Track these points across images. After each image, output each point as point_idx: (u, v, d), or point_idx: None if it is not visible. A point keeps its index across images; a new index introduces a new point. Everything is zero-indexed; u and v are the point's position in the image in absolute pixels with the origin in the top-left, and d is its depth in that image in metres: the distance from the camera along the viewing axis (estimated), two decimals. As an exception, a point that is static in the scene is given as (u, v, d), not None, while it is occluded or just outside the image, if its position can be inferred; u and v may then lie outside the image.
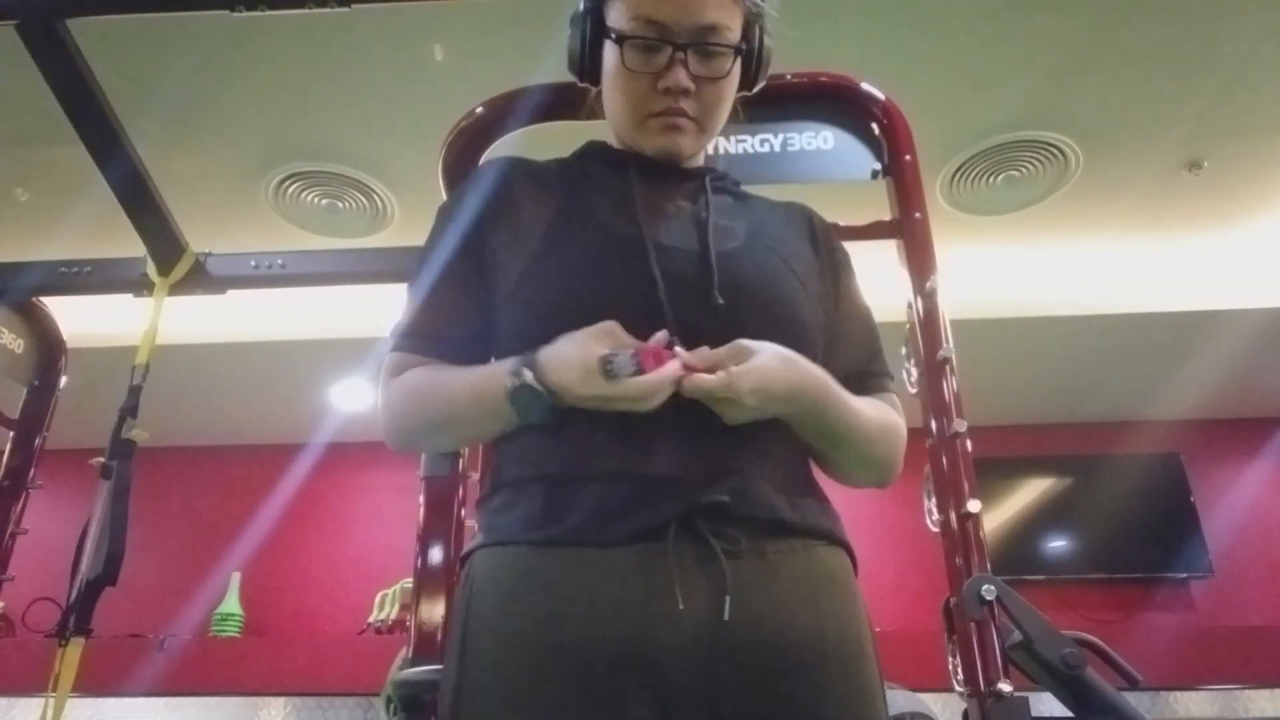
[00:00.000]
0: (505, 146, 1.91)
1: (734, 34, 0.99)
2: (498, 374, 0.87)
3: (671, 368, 0.83)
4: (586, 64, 1.05)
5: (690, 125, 0.99)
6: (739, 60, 1.01)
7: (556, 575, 0.82)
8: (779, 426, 0.91)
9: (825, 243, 1.07)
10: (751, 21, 1.02)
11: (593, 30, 1.02)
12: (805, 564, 0.87)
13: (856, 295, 1.08)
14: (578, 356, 0.83)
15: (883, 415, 1.00)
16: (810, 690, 0.80)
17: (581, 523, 0.83)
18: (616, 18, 0.99)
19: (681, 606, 0.78)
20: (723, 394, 0.83)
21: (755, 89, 1.08)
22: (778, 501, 0.87)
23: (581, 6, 1.04)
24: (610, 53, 1.01)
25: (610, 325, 0.85)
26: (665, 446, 0.85)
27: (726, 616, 0.79)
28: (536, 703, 0.77)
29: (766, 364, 0.85)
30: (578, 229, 0.96)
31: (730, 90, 1.03)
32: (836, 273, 1.06)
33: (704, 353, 0.85)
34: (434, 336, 0.98)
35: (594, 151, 1.08)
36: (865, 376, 1.01)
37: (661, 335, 0.85)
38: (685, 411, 0.85)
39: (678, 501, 0.83)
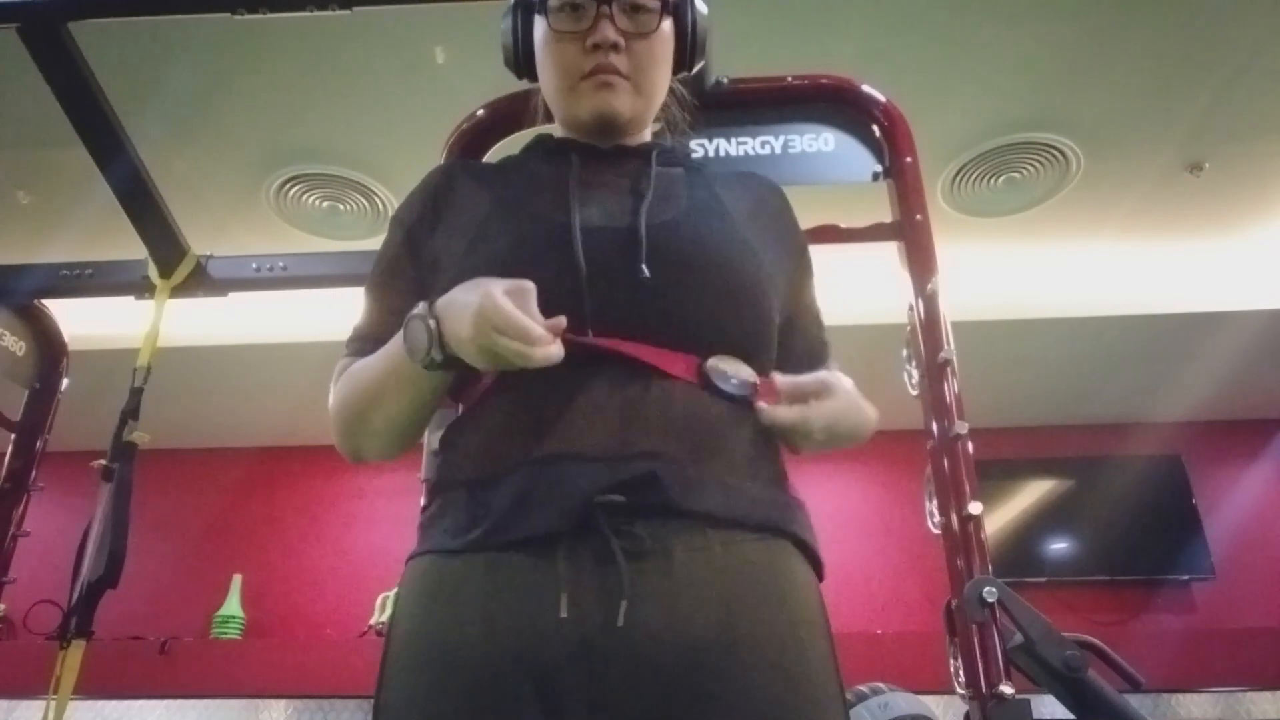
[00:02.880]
0: (506, 149, 1.92)
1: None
2: (396, 348, 0.87)
3: (558, 323, 0.78)
4: (521, 54, 1.04)
5: (624, 84, 0.96)
6: (669, 21, 1.00)
7: (459, 584, 0.80)
8: (735, 410, 0.86)
9: (788, 222, 1.05)
10: None
11: (523, 14, 1.02)
12: (723, 562, 0.79)
13: (811, 279, 1.07)
14: (474, 300, 0.78)
15: (856, 399, 0.97)
16: (718, 691, 0.74)
17: (489, 527, 0.81)
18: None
19: (564, 615, 0.74)
20: (802, 430, 0.86)
21: (694, 68, 1.06)
22: (697, 492, 0.80)
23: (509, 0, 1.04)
24: (539, 26, 1.00)
25: (523, 282, 0.79)
26: (583, 437, 0.81)
27: (620, 623, 0.73)
28: (434, 715, 0.76)
29: (843, 404, 0.90)
30: (508, 221, 0.94)
31: (663, 51, 1.00)
32: (798, 255, 1.04)
33: (795, 381, 0.87)
34: (374, 339, 0.96)
35: (537, 144, 1.06)
36: (818, 358, 1.03)
37: (558, 321, 0.79)
38: (612, 398, 0.82)
39: (577, 498, 0.77)
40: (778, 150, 1.79)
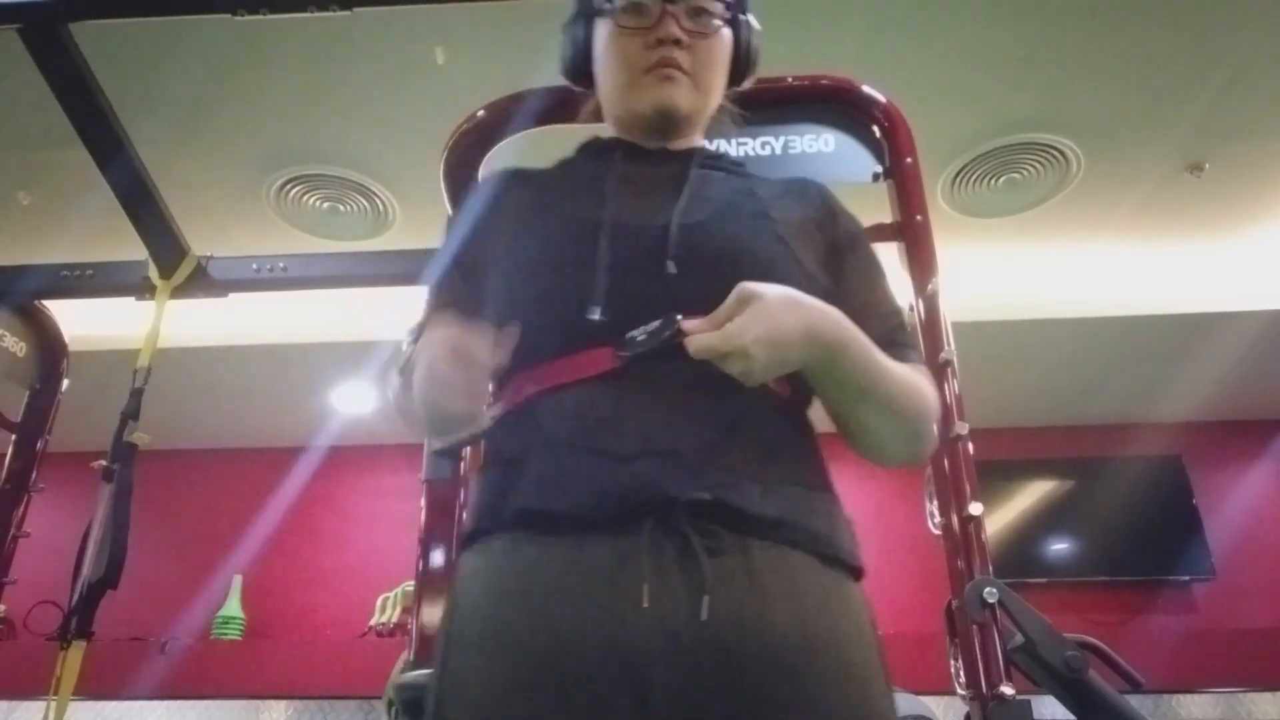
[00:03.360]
0: (506, 149, 1.92)
1: (723, 7, 1.02)
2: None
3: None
4: (581, 61, 1.06)
5: (684, 79, 0.99)
6: (729, 29, 1.03)
7: (535, 573, 0.79)
8: (785, 410, 0.87)
9: (832, 214, 1.03)
10: (735, 9, 1.04)
11: (585, 21, 1.05)
12: (794, 565, 0.80)
13: (873, 266, 1.03)
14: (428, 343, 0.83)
15: (910, 372, 0.93)
16: (795, 692, 0.75)
17: (562, 513, 0.80)
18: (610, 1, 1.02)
19: (646, 604, 0.74)
20: (726, 348, 0.77)
21: (745, 82, 1.08)
22: (769, 501, 0.81)
23: (573, 8, 1.07)
24: (601, 29, 1.03)
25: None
26: (655, 436, 0.81)
27: (704, 616, 0.74)
28: (516, 705, 0.75)
29: (769, 307, 0.79)
30: (543, 219, 0.96)
31: (723, 54, 1.03)
32: (848, 243, 1.02)
33: (706, 319, 0.80)
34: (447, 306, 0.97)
35: (586, 145, 1.08)
36: (887, 347, 0.91)
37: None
38: (677, 394, 0.82)
39: (657, 494, 0.78)
40: (778, 151, 1.79)
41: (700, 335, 0.78)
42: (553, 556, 0.79)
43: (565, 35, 1.08)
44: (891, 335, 0.96)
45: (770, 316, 0.78)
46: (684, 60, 0.98)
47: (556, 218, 0.95)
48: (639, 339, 0.80)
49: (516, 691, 0.75)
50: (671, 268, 0.86)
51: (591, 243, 0.89)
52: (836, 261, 0.98)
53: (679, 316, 0.79)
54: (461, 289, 0.98)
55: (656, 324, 0.80)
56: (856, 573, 0.87)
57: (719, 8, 1.01)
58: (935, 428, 0.95)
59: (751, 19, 1.06)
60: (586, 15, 1.05)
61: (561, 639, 0.76)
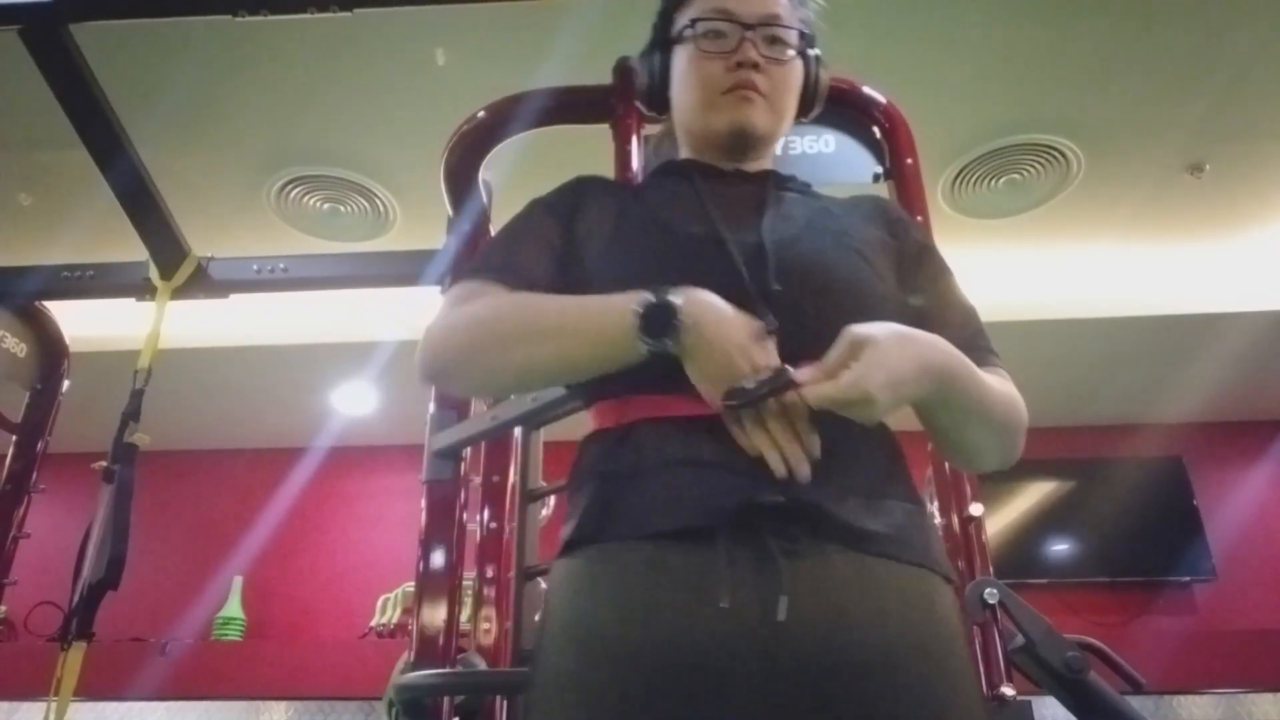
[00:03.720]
0: (507, 150, 1.92)
1: (797, 38, 1.06)
2: (619, 298, 0.85)
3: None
4: (658, 87, 1.11)
5: (761, 100, 1.03)
6: (802, 57, 1.07)
7: (618, 578, 0.81)
8: (875, 426, 0.86)
9: (901, 226, 1.06)
10: (805, 40, 1.08)
11: (662, 49, 1.09)
12: (876, 573, 0.81)
13: (946, 275, 1.05)
14: (740, 325, 0.82)
15: (1002, 383, 0.96)
16: (880, 701, 0.75)
17: (640, 521, 0.82)
18: (685, 19, 1.07)
19: (724, 605, 0.75)
20: (850, 398, 0.77)
21: (812, 111, 1.12)
22: (850, 506, 0.82)
23: (650, 37, 1.12)
24: (680, 54, 1.08)
25: (761, 326, 0.84)
26: (733, 443, 0.82)
27: (781, 617, 0.75)
28: (604, 708, 0.77)
29: (885, 351, 0.79)
30: (644, 230, 0.99)
31: (796, 81, 1.07)
32: (919, 254, 1.05)
33: (818, 367, 0.81)
34: (514, 269, 0.96)
35: (662, 168, 1.13)
36: (970, 352, 0.92)
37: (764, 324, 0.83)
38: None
39: (733, 497, 0.80)
40: (778, 152, 1.77)
41: (819, 387, 0.79)
42: (634, 560, 0.81)
43: (642, 63, 1.13)
44: (973, 340, 1.00)
45: (888, 360, 0.79)
46: (761, 83, 1.03)
47: (660, 229, 0.98)
48: (748, 387, 0.80)
49: (601, 692, 0.77)
50: (774, 284, 0.89)
51: (709, 259, 0.91)
52: (911, 274, 1.02)
53: (788, 368, 0.80)
54: (548, 272, 0.98)
55: (768, 375, 0.80)
56: (946, 580, 0.87)
57: (793, 37, 1.06)
58: (1024, 430, 0.97)
59: (819, 53, 1.10)
60: (664, 44, 1.10)
61: (641, 640, 0.77)
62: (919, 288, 1.01)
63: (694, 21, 1.05)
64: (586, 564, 0.84)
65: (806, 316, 0.88)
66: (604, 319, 0.86)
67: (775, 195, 1.03)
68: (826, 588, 0.78)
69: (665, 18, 1.11)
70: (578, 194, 1.06)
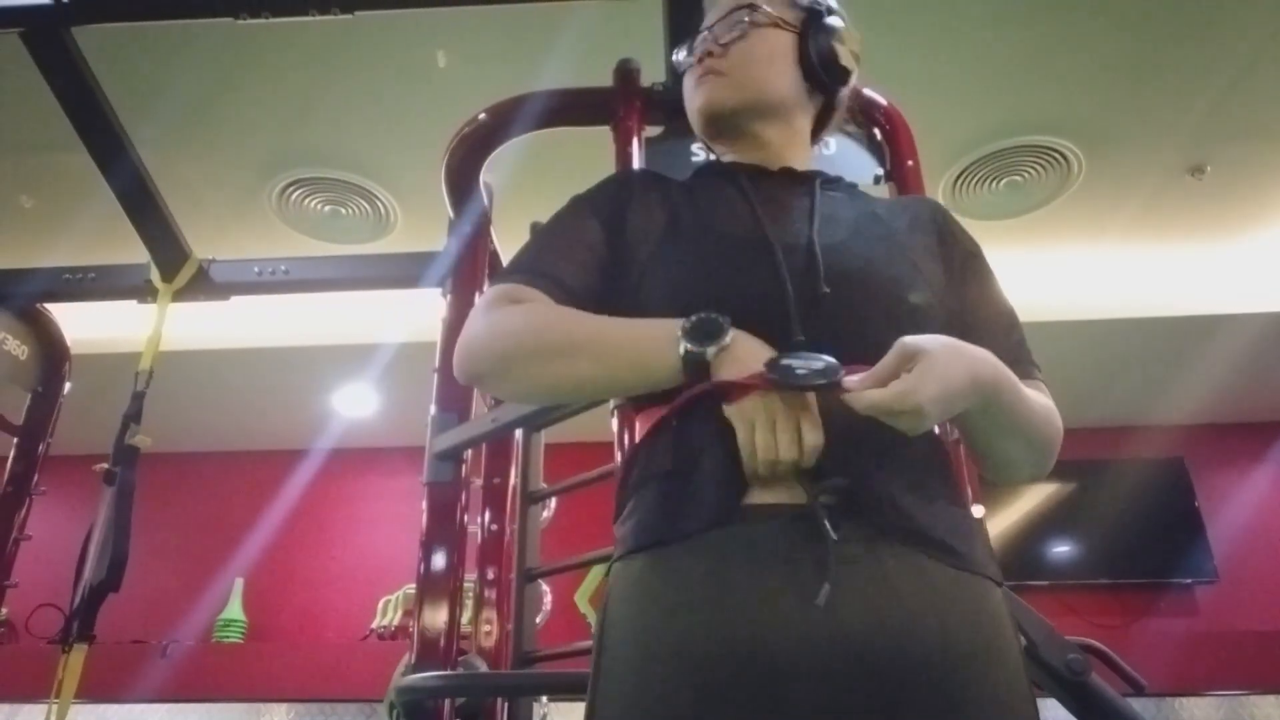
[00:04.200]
0: (508, 152, 1.92)
1: (767, 11, 1.09)
2: (662, 323, 0.87)
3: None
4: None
5: (720, 78, 1.07)
6: (782, 33, 1.09)
7: (678, 582, 0.82)
8: (926, 434, 0.87)
9: (950, 233, 1.06)
10: (807, 13, 1.11)
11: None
12: (931, 577, 0.81)
13: (992, 284, 1.05)
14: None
15: (1041, 398, 0.97)
16: (939, 705, 0.76)
17: (696, 525, 0.83)
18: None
19: (791, 609, 0.76)
20: (901, 408, 0.77)
21: (828, 83, 1.12)
22: (904, 505, 0.83)
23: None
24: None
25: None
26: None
27: (820, 601, 0.76)
28: (667, 706, 0.77)
29: (937, 363, 0.79)
30: (696, 232, 0.99)
31: (764, 50, 1.08)
32: (966, 262, 1.05)
33: (869, 374, 0.80)
34: (556, 274, 0.97)
35: (707, 167, 1.15)
36: (1011, 364, 0.92)
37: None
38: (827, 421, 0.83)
39: (789, 501, 0.81)
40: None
41: (870, 393, 0.78)
42: (693, 564, 0.82)
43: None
44: (1016, 353, 1.00)
45: (941, 373, 0.79)
46: (719, 64, 1.07)
47: (711, 233, 0.98)
48: (798, 371, 0.80)
49: (665, 694, 0.77)
50: (824, 289, 0.90)
51: (766, 264, 0.92)
52: (958, 281, 1.02)
53: (841, 368, 0.80)
54: (590, 277, 0.98)
55: (820, 365, 0.80)
56: (997, 584, 0.87)
57: (752, 13, 1.09)
58: (1059, 443, 0.99)
59: (831, 21, 1.12)
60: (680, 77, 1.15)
61: (703, 643, 0.78)
62: (965, 296, 1.01)
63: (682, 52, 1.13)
64: (649, 567, 0.84)
65: (852, 321, 0.88)
66: (647, 336, 0.88)
67: (823, 197, 1.03)
68: (885, 593, 0.78)
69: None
70: (625, 192, 1.06)
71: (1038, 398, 0.96)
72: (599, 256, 0.99)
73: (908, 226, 1.03)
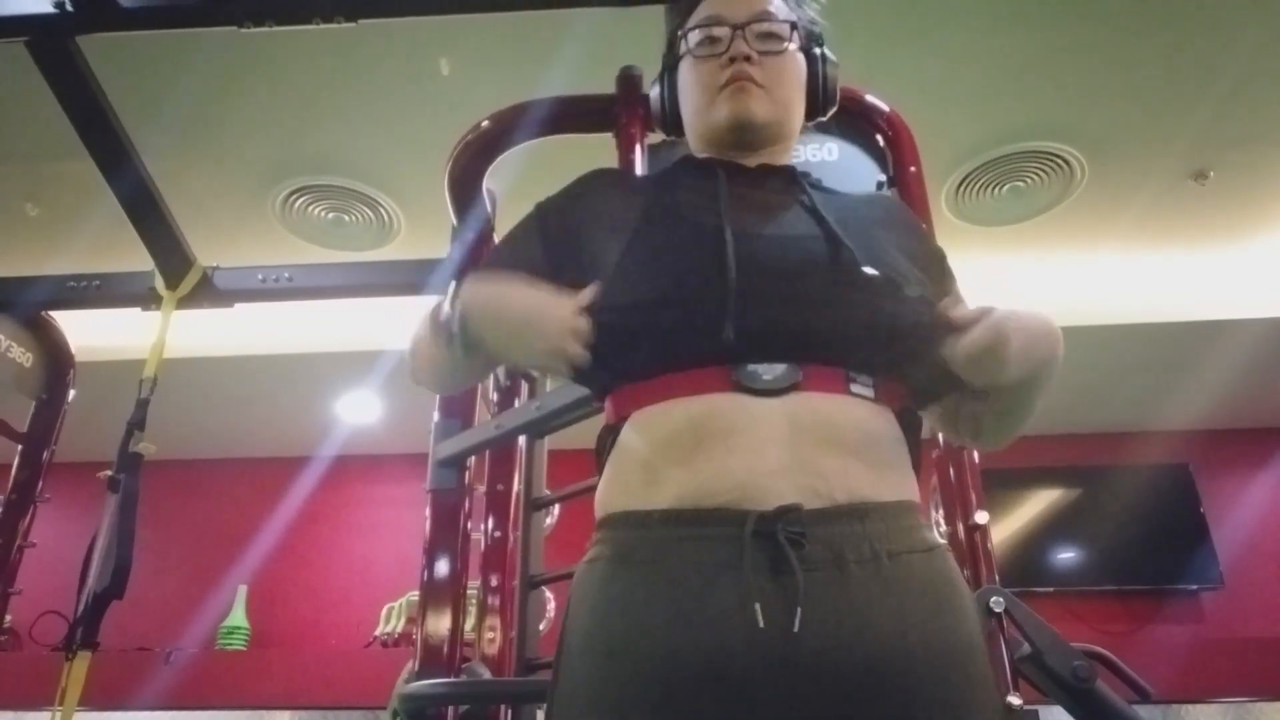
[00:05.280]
0: (511, 159, 1.93)
1: (799, 35, 1.08)
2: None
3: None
4: (671, 110, 1.13)
5: (758, 90, 1.04)
6: (802, 55, 1.08)
7: (637, 589, 0.82)
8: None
9: (921, 233, 1.10)
10: (807, 33, 1.09)
11: (670, 72, 1.12)
12: (890, 573, 0.81)
13: (955, 285, 1.08)
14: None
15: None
16: (895, 704, 0.76)
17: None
18: (686, 42, 1.09)
19: (762, 624, 0.76)
20: (992, 339, 0.85)
21: (826, 112, 1.12)
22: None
23: (660, 67, 1.14)
24: (682, 69, 1.10)
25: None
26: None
27: (796, 629, 0.76)
28: (617, 707, 0.78)
29: (1030, 323, 0.88)
30: (664, 224, 1.00)
31: (794, 70, 1.08)
32: (938, 263, 1.07)
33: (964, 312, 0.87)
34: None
35: (684, 161, 1.12)
36: None
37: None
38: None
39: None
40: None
41: (965, 309, 0.86)
42: (654, 568, 0.82)
43: (653, 92, 1.15)
44: None
45: (1030, 330, 0.89)
46: (756, 74, 1.04)
47: (677, 222, 0.99)
48: (765, 377, 0.85)
49: (616, 696, 0.78)
50: (868, 270, 0.92)
51: (713, 250, 0.92)
52: (934, 279, 1.03)
53: (800, 371, 0.85)
54: (543, 269, 1.00)
55: (783, 370, 0.85)
56: (963, 588, 0.88)
57: (786, 30, 1.07)
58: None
59: (829, 53, 1.11)
60: (670, 67, 1.12)
61: (659, 647, 0.78)
62: (939, 295, 1.02)
63: (687, 33, 1.08)
64: (608, 572, 0.85)
65: (833, 315, 0.89)
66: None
67: (798, 190, 1.04)
68: (844, 596, 0.79)
69: (670, 45, 1.13)
70: (586, 194, 1.07)
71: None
72: (535, 266, 1.01)
73: (881, 222, 1.05)
